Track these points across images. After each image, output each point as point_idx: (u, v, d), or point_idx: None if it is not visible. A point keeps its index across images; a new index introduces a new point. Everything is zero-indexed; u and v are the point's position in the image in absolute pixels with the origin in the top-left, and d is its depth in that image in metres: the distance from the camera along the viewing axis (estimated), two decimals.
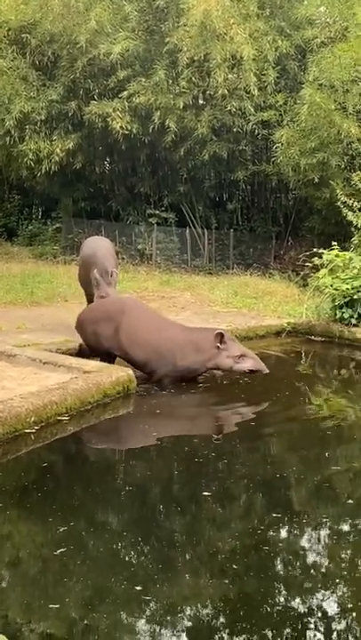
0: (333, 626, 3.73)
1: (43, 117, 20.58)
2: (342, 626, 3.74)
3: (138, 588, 3.99)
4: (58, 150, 20.36)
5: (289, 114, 18.91)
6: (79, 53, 19.95)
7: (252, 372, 8.71)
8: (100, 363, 8.46)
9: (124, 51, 19.21)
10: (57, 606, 3.80)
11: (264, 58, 18.93)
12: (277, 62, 19.52)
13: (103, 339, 8.77)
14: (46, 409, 6.61)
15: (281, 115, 19.25)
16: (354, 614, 3.83)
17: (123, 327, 8.65)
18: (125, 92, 19.55)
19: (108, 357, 8.82)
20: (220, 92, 18.60)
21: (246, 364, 8.65)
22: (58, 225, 23.82)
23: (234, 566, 4.31)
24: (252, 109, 19.18)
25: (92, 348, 9.00)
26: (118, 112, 19.41)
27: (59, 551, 4.37)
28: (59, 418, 6.72)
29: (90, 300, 11.12)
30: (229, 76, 18.79)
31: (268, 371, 8.72)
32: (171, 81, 19.56)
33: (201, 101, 20.48)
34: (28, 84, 20.75)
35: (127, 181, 23.22)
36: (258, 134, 20.13)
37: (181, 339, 8.72)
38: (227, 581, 4.14)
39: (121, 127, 19.34)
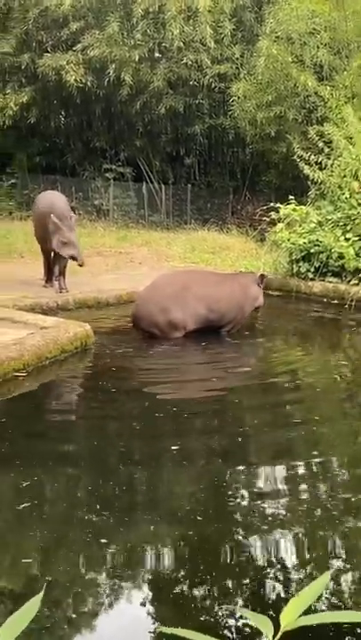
0: (292, 572, 3.79)
1: None
2: (301, 573, 3.80)
3: (103, 540, 4.00)
4: (12, 104, 20.02)
5: (246, 67, 18.79)
6: (31, 4, 19.53)
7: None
8: (57, 318, 8.40)
9: (76, 2, 18.85)
10: (28, 561, 3.82)
11: (220, 9, 18.73)
12: (234, 14, 19.33)
13: (179, 322, 8.62)
14: (3, 365, 6.56)
15: (238, 67, 19.13)
16: (312, 563, 3.90)
17: (198, 300, 8.72)
18: (79, 45, 19.25)
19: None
20: (175, 44, 18.39)
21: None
22: (13, 181, 23.48)
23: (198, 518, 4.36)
24: (209, 62, 19.03)
25: (164, 334, 8.64)
26: (72, 65, 19.13)
27: (22, 506, 4.36)
28: (16, 374, 6.67)
29: (46, 254, 11.00)
30: (185, 28, 18.55)
31: None
32: (125, 33, 19.28)
33: (157, 54, 20.24)
34: None
35: (83, 136, 22.94)
36: (215, 87, 19.99)
37: (240, 285, 9.19)
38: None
39: (75, 80, 19.06)
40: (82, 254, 10.51)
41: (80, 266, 10.49)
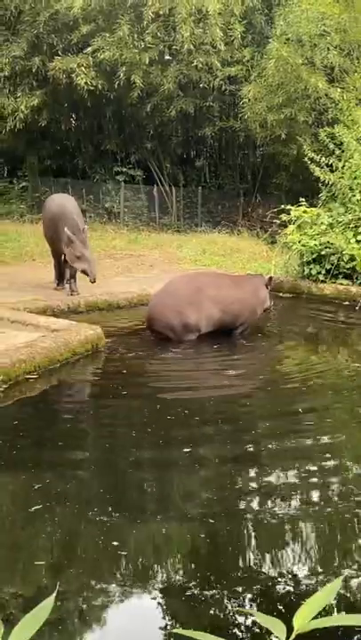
0: (304, 576, 3.78)
1: (6, 74, 20.22)
2: (313, 577, 3.80)
3: (115, 543, 4.00)
4: (22, 107, 20.04)
5: (256, 69, 18.77)
6: (41, 8, 19.57)
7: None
8: (68, 321, 8.41)
9: (87, 5, 18.87)
10: (42, 563, 3.82)
11: (230, 12, 18.71)
12: (244, 16, 19.31)
13: (194, 324, 8.62)
14: (15, 367, 6.58)
15: (248, 70, 19.11)
16: (325, 567, 3.89)
17: (212, 302, 8.73)
18: (90, 48, 19.26)
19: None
20: (185, 47, 18.38)
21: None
22: (24, 184, 23.52)
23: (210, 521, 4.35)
24: (219, 64, 19.01)
25: (178, 337, 8.63)
26: (83, 68, 19.12)
27: (33, 508, 4.37)
28: (27, 376, 6.69)
29: (57, 257, 11.01)
30: (195, 30, 18.54)
31: None
32: (136, 36, 19.28)
33: (167, 57, 20.22)
34: None
35: (94, 138, 22.97)
36: (225, 90, 19.98)
37: (252, 287, 9.24)
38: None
39: (86, 83, 19.07)
40: (95, 270, 10.34)
41: (92, 282, 10.32)
